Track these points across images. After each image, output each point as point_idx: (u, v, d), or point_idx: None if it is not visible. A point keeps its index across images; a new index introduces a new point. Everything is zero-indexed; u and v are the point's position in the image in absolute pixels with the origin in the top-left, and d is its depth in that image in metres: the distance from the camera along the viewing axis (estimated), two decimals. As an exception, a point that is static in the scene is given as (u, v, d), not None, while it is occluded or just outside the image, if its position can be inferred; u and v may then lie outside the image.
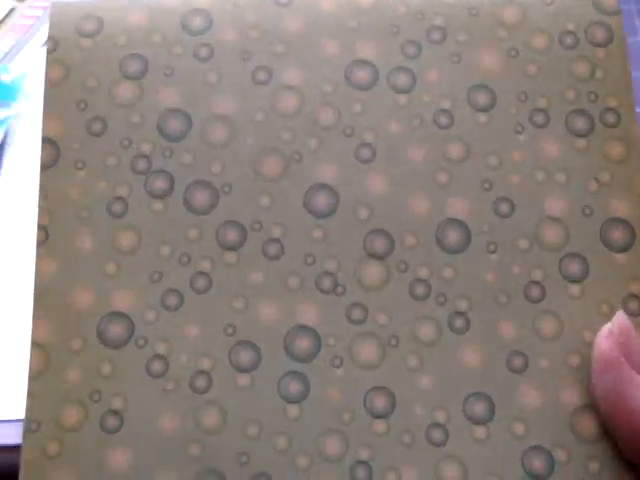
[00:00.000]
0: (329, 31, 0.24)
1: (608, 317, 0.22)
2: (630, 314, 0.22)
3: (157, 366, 0.21)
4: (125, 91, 0.23)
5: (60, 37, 0.23)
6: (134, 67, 0.23)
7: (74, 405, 0.21)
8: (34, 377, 0.21)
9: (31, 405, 0.21)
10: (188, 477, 0.21)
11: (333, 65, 0.23)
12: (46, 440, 0.21)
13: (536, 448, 0.21)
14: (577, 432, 0.21)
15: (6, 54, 0.42)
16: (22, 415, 0.31)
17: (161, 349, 0.21)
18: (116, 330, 0.21)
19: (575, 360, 0.22)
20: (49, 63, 0.23)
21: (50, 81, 0.23)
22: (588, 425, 0.21)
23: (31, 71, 0.42)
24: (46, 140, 0.22)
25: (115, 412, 0.21)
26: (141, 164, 0.23)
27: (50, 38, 0.23)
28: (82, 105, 0.23)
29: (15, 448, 0.30)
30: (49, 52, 0.23)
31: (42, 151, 0.22)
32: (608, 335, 0.21)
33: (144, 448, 0.21)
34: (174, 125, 0.23)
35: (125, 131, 0.23)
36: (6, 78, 0.40)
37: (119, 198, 0.22)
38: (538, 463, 0.21)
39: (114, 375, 0.21)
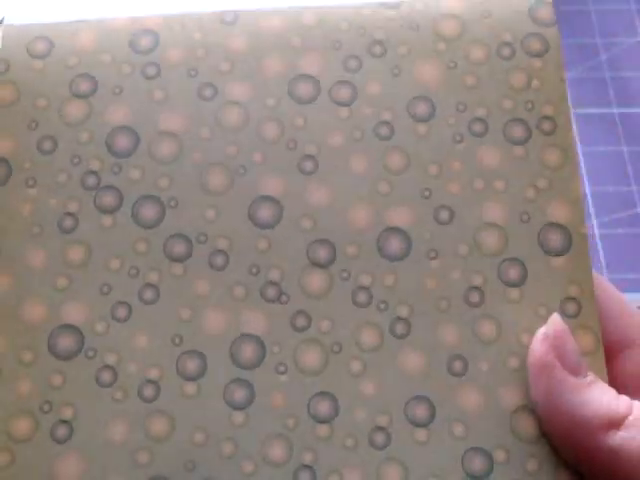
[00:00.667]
0: (273, 48, 0.24)
1: (546, 320, 0.22)
2: (568, 316, 0.22)
3: (106, 376, 0.22)
4: (75, 110, 0.24)
5: (11, 58, 0.24)
6: (84, 87, 0.24)
7: (25, 416, 0.22)
8: None
9: None
10: None
11: (276, 81, 0.24)
12: None
13: (476, 449, 0.22)
14: (516, 432, 0.22)
15: None
16: None
17: (110, 360, 0.22)
18: (66, 342, 0.22)
19: (514, 362, 0.22)
20: (0, 84, 0.24)
21: (1, 102, 0.24)
22: (527, 425, 0.22)
23: None
24: None
25: (65, 422, 0.22)
26: (90, 180, 0.23)
27: (1, 60, 0.24)
28: (33, 125, 0.24)
29: None
30: (0, 73, 0.24)
31: None
32: (543, 339, 0.21)
33: (94, 456, 0.21)
34: (122, 142, 0.24)
35: (75, 149, 0.23)
36: None
37: (69, 214, 0.23)
38: (478, 463, 0.21)
39: (64, 386, 0.22)
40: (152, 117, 0.24)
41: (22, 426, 0.21)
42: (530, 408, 0.22)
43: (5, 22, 0.24)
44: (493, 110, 0.24)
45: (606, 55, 0.39)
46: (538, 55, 0.24)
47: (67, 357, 0.22)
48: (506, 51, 0.24)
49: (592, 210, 0.41)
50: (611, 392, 0.20)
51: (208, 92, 0.24)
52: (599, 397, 0.20)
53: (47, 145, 0.23)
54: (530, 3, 0.24)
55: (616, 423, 0.20)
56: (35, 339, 0.22)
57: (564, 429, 0.20)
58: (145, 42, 0.24)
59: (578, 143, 0.41)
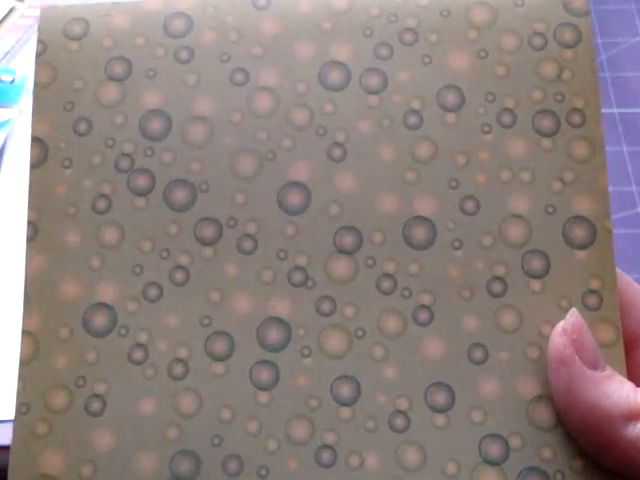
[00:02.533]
0: (304, 33, 0.24)
1: (567, 312, 0.23)
2: (589, 309, 0.23)
3: (138, 354, 0.23)
4: (109, 92, 0.24)
5: (48, 40, 0.24)
6: (118, 69, 0.24)
7: (61, 389, 0.23)
8: (24, 363, 0.23)
9: (21, 389, 0.23)
10: (166, 457, 0.22)
11: (307, 66, 0.24)
12: (35, 422, 0.22)
13: (493, 435, 0.22)
14: (532, 420, 0.22)
15: (6, 54, 0.42)
16: None
17: (142, 338, 0.23)
18: (100, 320, 0.23)
19: (534, 353, 0.23)
20: (38, 65, 0.24)
21: (39, 83, 0.24)
22: (544, 414, 0.22)
23: (32, 71, 0.43)
24: (35, 140, 0.24)
25: (98, 396, 0.23)
26: (124, 163, 0.24)
27: (39, 41, 0.24)
28: (69, 106, 0.24)
29: None
30: (38, 55, 0.24)
31: (31, 150, 0.24)
32: (561, 333, 0.22)
33: (125, 430, 0.22)
34: (155, 125, 0.24)
35: (109, 131, 0.24)
36: (7, 78, 0.41)
37: (103, 195, 0.24)
38: (494, 449, 0.22)
39: (98, 362, 0.23)
40: (185, 101, 0.24)
41: (58, 399, 0.23)
42: (547, 398, 0.22)
43: (43, 3, 0.25)
44: (522, 101, 0.24)
45: (606, 55, 0.39)
46: (570, 46, 0.24)
47: (101, 334, 0.23)
48: (538, 41, 0.24)
49: None
50: (629, 385, 0.21)
51: (240, 77, 0.24)
52: (618, 390, 0.21)
53: (82, 127, 0.24)
54: None
55: (635, 415, 0.20)
56: (70, 316, 0.23)
57: (583, 421, 0.21)
58: (178, 25, 0.25)
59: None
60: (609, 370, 0.21)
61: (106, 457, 0.22)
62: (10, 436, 0.32)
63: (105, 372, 0.23)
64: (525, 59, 0.24)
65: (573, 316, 0.22)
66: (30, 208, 0.23)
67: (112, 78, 0.24)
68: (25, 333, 0.23)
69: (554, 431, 0.22)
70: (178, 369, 0.23)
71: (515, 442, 0.22)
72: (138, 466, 0.22)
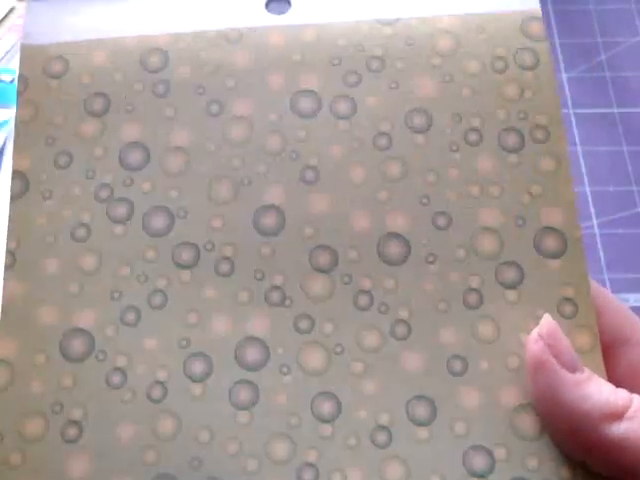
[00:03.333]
0: (275, 64, 0.26)
1: None
2: (566, 317, 0.23)
3: (116, 378, 0.23)
4: (89, 127, 0.25)
5: (30, 78, 0.25)
6: (98, 105, 0.25)
7: (36, 417, 0.22)
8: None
9: None
10: None
11: (279, 96, 0.25)
12: (9, 451, 0.22)
13: (477, 447, 0.22)
14: (516, 430, 0.22)
15: (6, 54, 0.42)
16: None
17: (120, 362, 0.23)
18: (77, 345, 0.23)
19: (514, 362, 0.23)
20: (20, 103, 0.25)
21: (21, 120, 0.25)
22: (527, 423, 0.22)
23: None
24: (16, 173, 0.24)
25: (75, 422, 0.22)
26: (104, 193, 0.24)
27: (20, 79, 0.25)
28: (50, 141, 0.25)
29: None
30: (20, 93, 0.25)
31: (12, 183, 0.24)
32: (537, 339, 0.22)
33: (102, 455, 0.22)
34: (134, 157, 0.25)
35: (89, 163, 0.25)
36: (7, 78, 0.40)
37: (82, 224, 0.24)
38: (479, 461, 0.22)
39: (75, 387, 0.23)
40: (162, 133, 0.25)
41: (33, 426, 0.22)
42: (530, 407, 0.22)
43: (23, 42, 0.26)
44: (487, 120, 0.25)
45: (606, 55, 0.40)
46: (530, 68, 0.25)
47: (78, 359, 0.23)
48: (499, 64, 0.25)
49: (592, 210, 0.41)
50: (609, 386, 0.21)
51: (214, 108, 0.25)
52: (598, 391, 0.21)
53: (63, 160, 0.25)
54: (522, 19, 0.25)
55: (617, 415, 0.20)
56: (47, 342, 0.23)
57: (566, 424, 0.21)
58: (154, 60, 0.26)
59: (578, 143, 0.41)
60: (587, 372, 0.21)
61: None
62: None
63: (82, 397, 0.22)
64: (488, 81, 0.25)
65: (547, 321, 0.22)
66: (9, 237, 0.24)
67: (92, 114, 0.25)
68: (0, 361, 0.23)
69: (539, 440, 0.22)
70: (156, 392, 0.23)
71: (500, 453, 0.22)
72: None
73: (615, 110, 0.39)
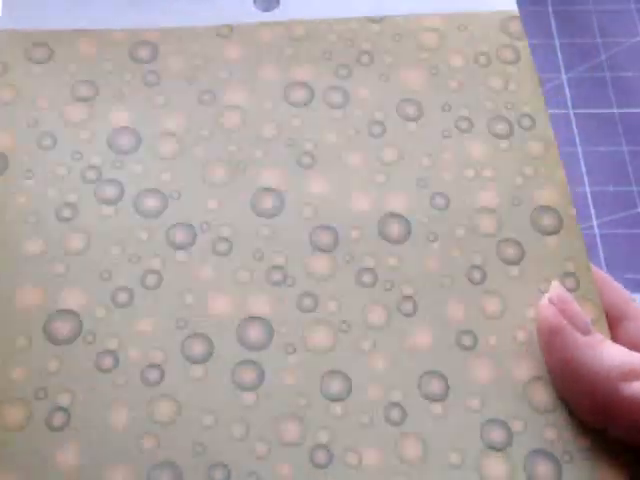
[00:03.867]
0: (267, 57, 0.26)
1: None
2: (569, 290, 0.23)
3: (107, 361, 0.21)
4: (76, 111, 0.24)
5: (10, 62, 0.24)
6: (85, 91, 0.24)
7: (17, 404, 0.20)
8: None
9: None
10: (142, 470, 0.20)
11: (272, 86, 0.25)
12: None
13: (493, 420, 0.21)
14: (531, 403, 0.21)
15: None
16: None
17: (111, 345, 0.21)
18: (64, 327, 0.21)
19: (522, 335, 0.22)
20: (2, 86, 0.24)
21: (2, 100, 0.24)
22: (542, 396, 0.21)
23: None
24: None
25: (62, 408, 0.20)
26: (91, 174, 0.23)
27: (3, 64, 0.24)
28: (32, 122, 0.24)
29: None
30: (2, 74, 0.24)
31: None
32: (549, 304, 0.22)
33: (94, 443, 0.20)
34: (124, 141, 0.24)
35: (75, 146, 0.24)
36: None
37: (68, 204, 0.23)
38: (496, 435, 0.21)
39: (60, 372, 0.20)
40: (153, 119, 0.24)
41: (14, 414, 0.20)
42: (543, 379, 0.22)
43: (1, 25, 0.25)
44: (476, 110, 0.25)
45: (606, 55, 0.42)
46: (512, 62, 0.26)
47: (64, 342, 0.21)
48: (483, 59, 0.26)
49: (592, 210, 0.41)
50: (623, 348, 0.21)
51: (207, 97, 0.25)
52: (614, 351, 0.20)
53: (46, 142, 0.23)
54: (501, 18, 0.27)
55: (633, 374, 0.20)
56: (29, 324, 0.21)
57: (585, 387, 0.20)
58: (144, 52, 0.25)
59: (578, 143, 0.42)
60: (599, 335, 0.21)
61: (72, 475, 0.19)
62: None
63: (69, 382, 0.20)
64: (474, 74, 0.26)
65: (556, 287, 0.22)
66: (-12, 217, 0.22)
67: (79, 99, 0.24)
68: None
69: (555, 412, 0.21)
70: (153, 375, 0.21)
71: (517, 426, 0.21)
72: None
73: (615, 110, 0.41)
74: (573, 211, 0.24)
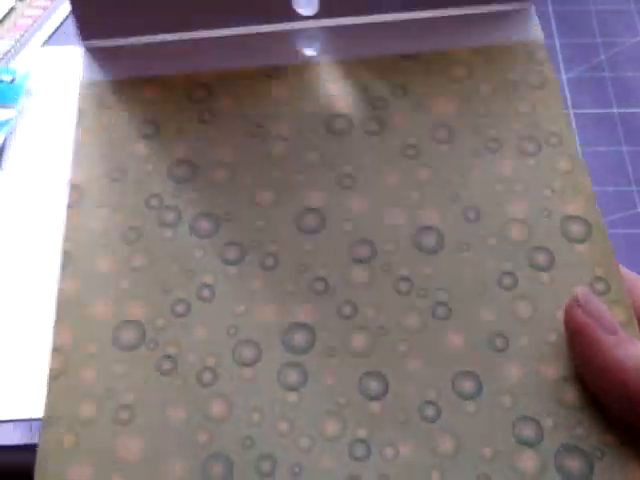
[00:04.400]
0: (308, 95, 0.28)
1: None
2: (599, 294, 0.24)
3: (166, 365, 0.23)
4: (141, 147, 0.27)
5: (86, 109, 0.28)
6: (148, 130, 0.28)
7: (89, 401, 0.23)
8: (53, 378, 0.23)
9: (49, 402, 0.22)
10: (197, 462, 0.22)
11: (314, 119, 0.28)
12: (63, 435, 0.22)
13: (524, 418, 0.22)
14: (562, 401, 0.22)
15: (6, 54, 0.43)
16: (21, 415, 0.31)
17: (170, 350, 0.23)
18: (129, 335, 0.24)
19: (552, 337, 0.23)
20: (78, 128, 0.27)
21: (77, 142, 0.27)
22: (572, 394, 0.22)
23: (32, 70, 0.42)
24: (72, 186, 0.26)
25: (127, 406, 0.22)
26: (153, 202, 0.26)
27: (79, 110, 0.28)
28: (104, 159, 0.27)
29: (14, 448, 0.30)
30: (79, 120, 0.28)
31: (69, 194, 0.26)
32: (574, 305, 0.23)
33: (154, 438, 0.22)
34: (182, 172, 0.27)
35: (140, 177, 0.27)
36: (7, 78, 0.41)
37: (133, 228, 0.26)
38: (528, 431, 0.22)
39: (126, 374, 0.23)
40: (208, 152, 0.27)
41: (86, 411, 0.22)
42: (573, 379, 0.23)
43: (81, 79, 0.28)
44: (505, 131, 0.27)
45: (606, 55, 0.42)
46: (538, 87, 0.28)
47: (130, 348, 0.23)
48: (510, 86, 0.28)
49: None
50: None
51: (256, 130, 0.28)
52: None
53: (116, 174, 0.27)
54: (527, 48, 0.29)
55: None
56: (99, 333, 0.24)
57: (613, 384, 0.21)
58: (200, 93, 0.28)
59: (578, 143, 0.43)
60: (626, 335, 0.22)
61: (135, 465, 0.22)
62: (9, 436, 0.30)
63: (134, 383, 0.23)
64: (502, 100, 0.28)
65: (582, 290, 0.23)
66: (65, 240, 0.25)
67: (144, 136, 0.27)
68: (55, 350, 0.23)
69: (584, 409, 0.22)
70: (207, 376, 0.23)
71: (547, 423, 0.22)
72: (168, 472, 0.21)
73: (615, 110, 0.41)
74: (601, 219, 0.25)
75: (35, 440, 0.32)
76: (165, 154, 0.27)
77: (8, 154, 0.41)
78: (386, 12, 0.29)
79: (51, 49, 0.46)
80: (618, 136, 0.40)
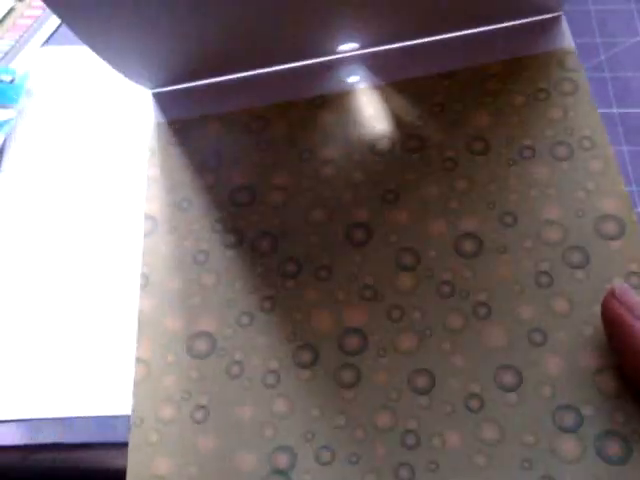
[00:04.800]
0: (353, 120, 0.31)
1: None
2: (633, 287, 0.25)
3: (235, 369, 0.26)
4: (206, 178, 0.30)
5: (156, 147, 0.31)
6: (212, 162, 0.31)
7: (169, 403, 0.26)
8: (138, 384, 0.26)
9: (136, 405, 0.26)
10: (264, 454, 0.24)
11: (360, 141, 0.30)
12: (148, 432, 0.25)
13: (565, 406, 0.24)
14: (600, 390, 0.24)
15: (6, 54, 0.42)
16: (21, 415, 0.32)
17: (238, 356, 0.26)
18: (202, 345, 0.27)
19: (589, 330, 0.25)
20: (149, 165, 0.31)
21: (150, 177, 0.31)
22: (609, 383, 0.24)
23: (32, 70, 0.43)
24: (147, 216, 0.30)
25: (202, 407, 0.25)
26: (218, 226, 0.29)
27: (150, 149, 0.31)
28: (173, 191, 0.30)
29: (15, 448, 0.31)
30: (150, 157, 0.31)
31: (144, 224, 0.30)
32: (611, 297, 0.24)
33: (226, 434, 0.25)
34: (242, 197, 0.30)
35: (205, 205, 0.30)
36: (7, 78, 0.41)
37: (202, 251, 0.29)
38: (568, 419, 0.23)
39: (201, 379, 0.26)
40: (265, 177, 0.30)
41: (167, 411, 0.25)
42: (610, 369, 0.24)
43: (155, 120, 0.32)
44: (538, 138, 0.29)
45: (606, 55, 0.42)
46: (570, 94, 0.29)
47: (203, 356, 0.26)
48: (542, 95, 0.30)
49: None
50: None
51: (307, 155, 0.30)
52: None
53: (184, 204, 0.30)
54: (558, 56, 0.30)
55: None
56: (176, 344, 0.27)
57: None
58: (257, 125, 0.31)
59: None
60: None
61: (210, 458, 0.24)
62: (10, 436, 0.32)
63: (207, 386, 0.26)
64: (535, 109, 0.29)
65: (617, 283, 0.24)
66: (143, 264, 0.29)
67: (207, 169, 0.31)
68: (138, 360, 0.27)
69: (623, 397, 0.23)
70: (271, 379, 0.26)
71: (587, 410, 0.23)
72: (239, 463, 0.24)
73: (615, 110, 0.41)
74: (634, 216, 0.26)
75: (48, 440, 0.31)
76: (227, 183, 0.30)
77: (8, 154, 0.40)
78: (429, 36, 0.32)
79: (51, 49, 0.45)
80: (618, 136, 0.40)
